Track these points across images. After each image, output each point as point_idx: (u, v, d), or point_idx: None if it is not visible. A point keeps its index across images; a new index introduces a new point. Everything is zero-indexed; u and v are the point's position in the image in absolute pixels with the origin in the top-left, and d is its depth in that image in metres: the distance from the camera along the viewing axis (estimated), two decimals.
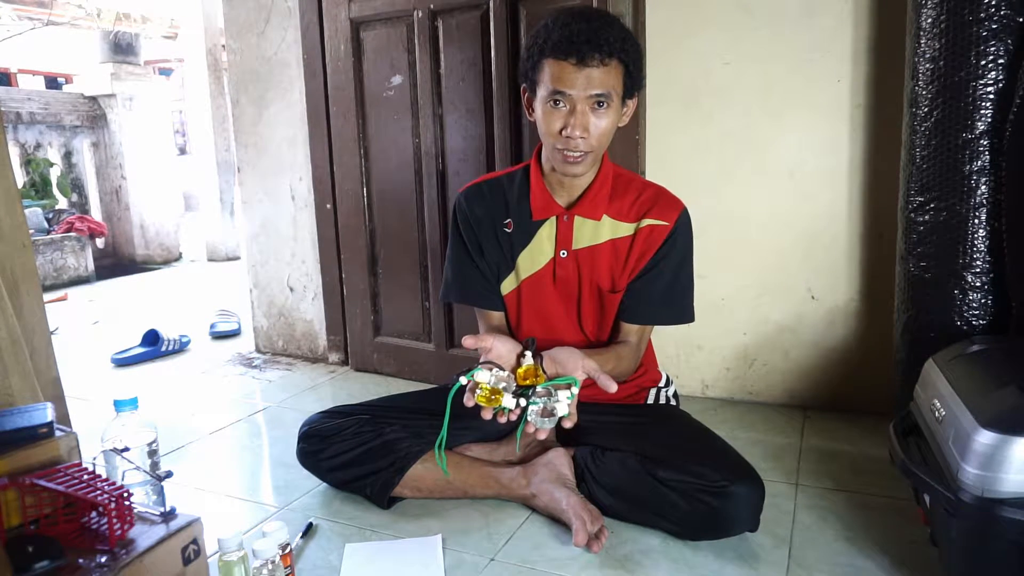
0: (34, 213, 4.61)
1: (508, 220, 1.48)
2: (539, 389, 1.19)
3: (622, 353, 1.43)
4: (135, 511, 1.02)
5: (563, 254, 1.45)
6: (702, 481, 1.28)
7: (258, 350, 2.78)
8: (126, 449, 1.20)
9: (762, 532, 1.33)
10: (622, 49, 1.28)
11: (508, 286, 1.50)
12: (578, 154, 1.33)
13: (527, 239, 1.47)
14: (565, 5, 1.91)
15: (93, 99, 5.15)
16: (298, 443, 1.55)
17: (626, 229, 1.43)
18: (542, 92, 1.32)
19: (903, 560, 1.27)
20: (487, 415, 1.18)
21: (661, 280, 1.43)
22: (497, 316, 1.54)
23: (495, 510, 1.48)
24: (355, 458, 1.48)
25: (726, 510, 1.27)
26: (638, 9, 1.90)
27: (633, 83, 1.34)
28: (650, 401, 1.58)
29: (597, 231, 1.43)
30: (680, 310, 1.47)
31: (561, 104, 1.30)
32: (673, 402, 1.62)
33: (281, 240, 2.62)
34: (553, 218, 1.45)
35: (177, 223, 5.58)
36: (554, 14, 1.32)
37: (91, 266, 4.73)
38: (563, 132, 1.30)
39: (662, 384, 1.61)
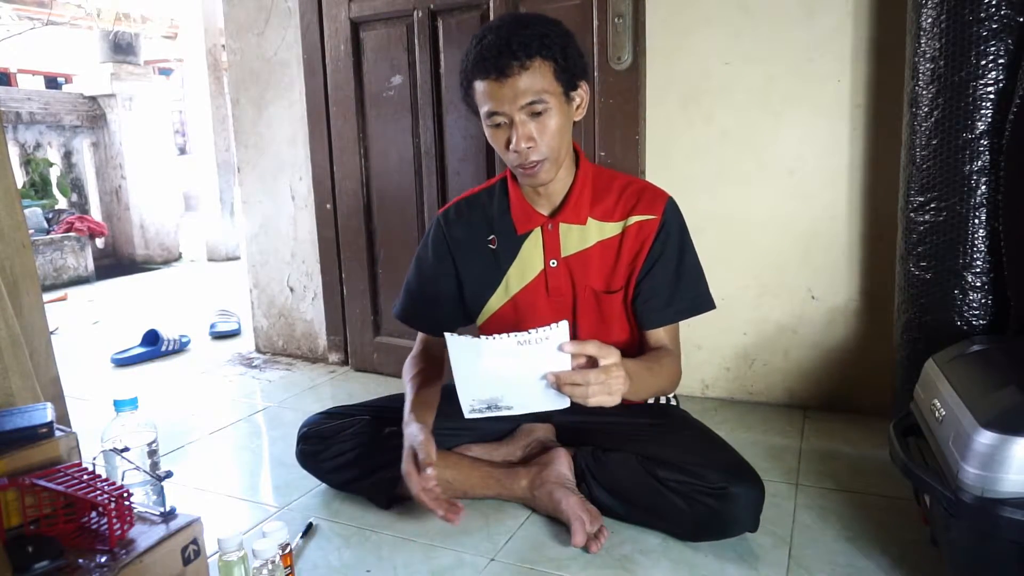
0: (34, 213, 4.60)
1: (492, 236, 1.46)
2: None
3: (664, 362, 1.39)
4: (135, 511, 1.02)
5: (553, 263, 1.42)
6: (702, 482, 1.28)
7: (258, 350, 2.78)
8: (126, 449, 1.20)
9: (762, 532, 1.33)
10: (542, 45, 1.23)
11: (497, 302, 1.48)
12: (533, 163, 1.30)
13: (514, 253, 1.45)
14: (559, 5, 1.92)
15: (93, 99, 5.15)
16: (297, 444, 1.55)
17: (612, 229, 1.41)
18: (482, 114, 1.30)
19: (903, 560, 1.26)
20: None
21: (666, 275, 1.40)
22: (434, 342, 1.54)
23: (495, 510, 1.47)
24: (355, 458, 1.48)
25: (726, 511, 1.27)
26: (638, 9, 1.90)
27: (570, 75, 1.28)
28: (650, 402, 1.58)
29: (584, 235, 1.41)
30: (695, 298, 1.42)
31: (500, 121, 1.27)
32: (673, 403, 1.62)
33: (281, 240, 2.62)
34: (538, 229, 1.42)
35: (177, 223, 5.58)
36: (476, 33, 1.30)
37: (91, 266, 4.73)
38: (510, 147, 1.28)
39: None
